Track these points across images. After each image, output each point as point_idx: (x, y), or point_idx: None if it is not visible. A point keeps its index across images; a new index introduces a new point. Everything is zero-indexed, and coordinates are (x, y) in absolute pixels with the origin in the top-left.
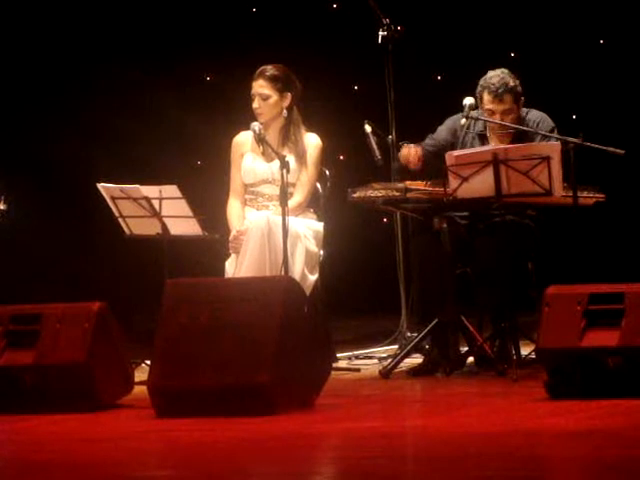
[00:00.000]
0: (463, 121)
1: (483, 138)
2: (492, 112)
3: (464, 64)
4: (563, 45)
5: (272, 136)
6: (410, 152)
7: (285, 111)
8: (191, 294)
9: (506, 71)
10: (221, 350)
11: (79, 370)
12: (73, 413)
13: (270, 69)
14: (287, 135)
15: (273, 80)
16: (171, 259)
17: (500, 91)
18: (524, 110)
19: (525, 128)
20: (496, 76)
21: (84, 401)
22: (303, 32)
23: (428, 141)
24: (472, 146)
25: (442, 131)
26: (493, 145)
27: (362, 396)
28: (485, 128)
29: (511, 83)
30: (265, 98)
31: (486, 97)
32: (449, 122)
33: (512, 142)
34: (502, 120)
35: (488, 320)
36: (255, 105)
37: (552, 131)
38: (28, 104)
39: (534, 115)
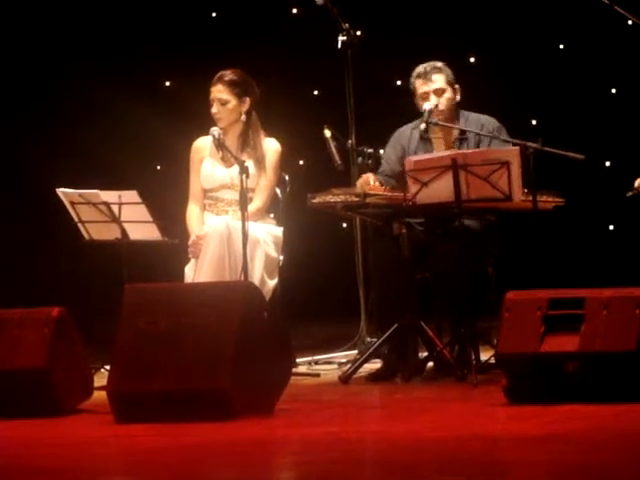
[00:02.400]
0: (423, 126)
1: (426, 141)
2: (426, 95)
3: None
4: (523, 50)
5: (231, 141)
6: (365, 183)
7: (244, 116)
8: (150, 299)
9: (437, 61)
10: (180, 355)
11: (38, 375)
12: (33, 418)
13: (228, 74)
14: (246, 140)
15: (231, 85)
16: (130, 264)
17: (428, 69)
18: (465, 113)
19: (478, 132)
20: (424, 63)
21: (44, 406)
22: (263, 37)
23: (384, 168)
24: (417, 151)
25: (391, 154)
26: (436, 148)
27: (322, 401)
28: (427, 131)
29: (439, 64)
30: (224, 103)
31: (417, 83)
32: (392, 141)
33: (454, 144)
34: (438, 102)
35: (447, 325)
36: (214, 110)
37: (498, 132)
38: None
39: (481, 119)
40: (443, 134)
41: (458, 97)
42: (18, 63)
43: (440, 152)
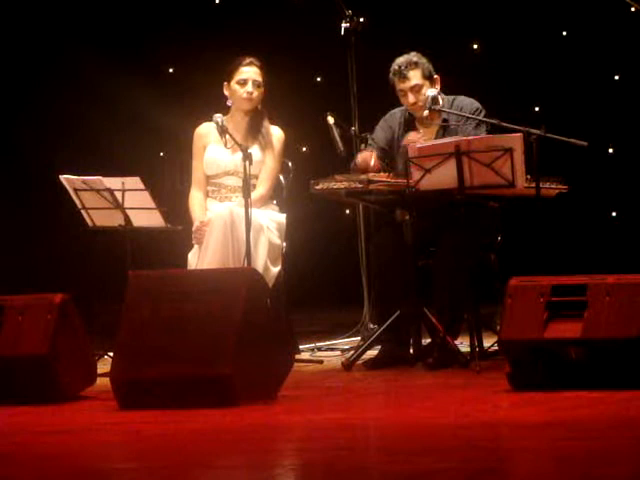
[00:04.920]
0: (426, 112)
1: (412, 129)
2: (404, 93)
3: (426, 56)
4: (526, 37)
5: (240, 127)
6: (367, 158)
7: (260, 104)
8: (154, 286)
9: (414, 53)
10: (184, 342)
11: (41, 362)
12: (35, 405)
13: (257, 60)
14: (257, 127)
15: (262, 70)
16: (134, 251)
17: (402, 68)
18: (450, 97)
19: (464, 114)
20: (400, 58)
21: (47, 393)
22: (266, 23)
23: (372, 148)
24: (405, 137)
25: (380, 135)
26: (423, 133)
27: (325, 388)
28: (412, 119)
29: (415, 59)
30: (259, 85)
31: (395, 80)
32: (383, 123)
33: (439, 131)
34: (416, 98)
35: (449, 312)
36: (249, 89)
37: (477, 113)
38: None
39: (461, 102)
40: (430, 120)
41: (437, 87)
42: (20, 50)
43: (433, 139)
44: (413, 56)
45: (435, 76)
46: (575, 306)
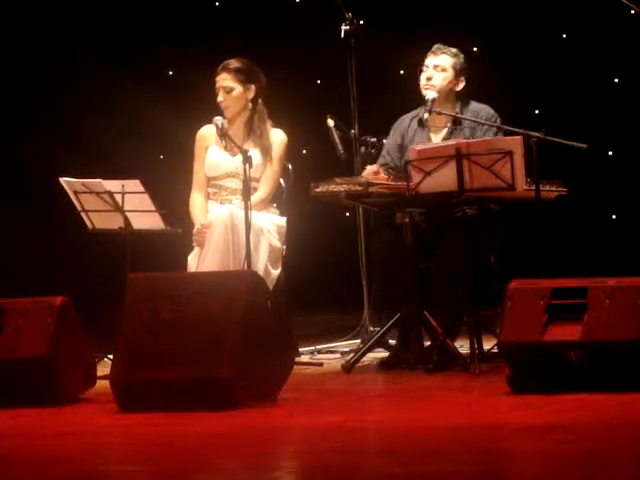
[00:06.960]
0: (426, 115)
1: (423, 128)
2: (426, 67)
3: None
4: (526, 40)
5: (237, 130)
6: (375, 172)
7: (249, 104)
8: (153, 288)
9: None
10: (184, 344)
11: (41, 365)
12: (35, 407)
13: (233, 62)
14: (252, 128)
15: (236, 72)
16: (134, 253)
17: (442, 47)
18: (464, 102)
19: (474, 119)
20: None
21: (46, 396)
22: (266, 26)
23: (386, 160)
24: (415, 139)
25: (392, 144)
26: (433, 135)
27: (324, 390)
28: (426, 118)
29: (455, 50)
30: (229, 91)
31: (426, 57)
32: (392, 131)
33: (447, 131)
34: (431, 75)
35: (449, 315)
36: (220, 99)
37: (493, 120)
38: None
39: (477, 108)
40: (439, 122)
41: (459, 87)
42: (21, 52)
43: (441, 141)
44: (456, 50)
45: (462, 77)
46: (575, 309)
